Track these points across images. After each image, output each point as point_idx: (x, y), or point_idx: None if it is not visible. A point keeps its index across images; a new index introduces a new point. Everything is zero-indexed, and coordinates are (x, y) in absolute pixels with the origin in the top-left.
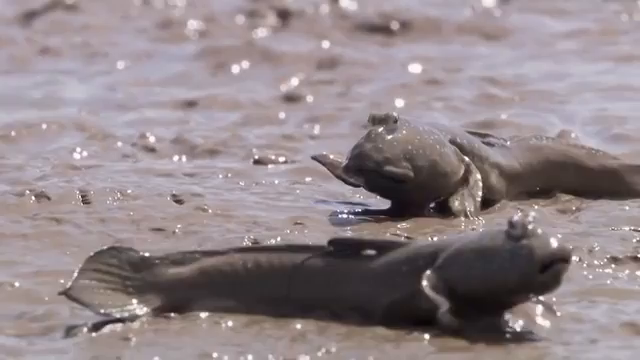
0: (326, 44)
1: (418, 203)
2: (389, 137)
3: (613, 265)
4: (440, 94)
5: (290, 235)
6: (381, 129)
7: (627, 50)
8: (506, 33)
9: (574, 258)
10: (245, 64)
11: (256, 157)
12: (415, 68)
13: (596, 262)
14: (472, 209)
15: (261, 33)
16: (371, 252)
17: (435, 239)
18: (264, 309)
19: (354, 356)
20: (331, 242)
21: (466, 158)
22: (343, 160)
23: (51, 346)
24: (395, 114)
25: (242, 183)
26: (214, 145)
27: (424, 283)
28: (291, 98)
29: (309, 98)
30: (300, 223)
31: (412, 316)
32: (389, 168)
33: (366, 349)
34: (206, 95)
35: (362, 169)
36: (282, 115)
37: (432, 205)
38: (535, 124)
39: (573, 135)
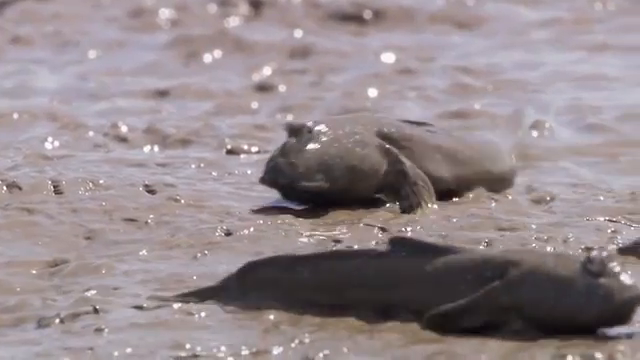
0: (299, 33)
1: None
2: (303, 150)
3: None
4: (413, 83)
5: (263, 226)
6: (295, 141)
7: (601, 39)
8: (480, 22)
9: (548, 248)
10: (217, 53)
11: (229, 147)
12: (388, 57)
13: (571, 252)
14: (422, 200)
15: (233, 22)
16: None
17: (504, 250)
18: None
19: (328, 347)
20: (392, 241)
21: (393, 150)
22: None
23: (23, 337)
24: (310, 124)
25: (215, 173)
26: (186, 135)
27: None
28: (263, 87)
29: (282, 87)
30: (273, 214)
31: (471, 325)
32: (302, 184)
33: (340, 340)
34: (178, 84)
35: (277, 184)
36: (255, 105)
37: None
38: (509, 114)
39: (547, 125)
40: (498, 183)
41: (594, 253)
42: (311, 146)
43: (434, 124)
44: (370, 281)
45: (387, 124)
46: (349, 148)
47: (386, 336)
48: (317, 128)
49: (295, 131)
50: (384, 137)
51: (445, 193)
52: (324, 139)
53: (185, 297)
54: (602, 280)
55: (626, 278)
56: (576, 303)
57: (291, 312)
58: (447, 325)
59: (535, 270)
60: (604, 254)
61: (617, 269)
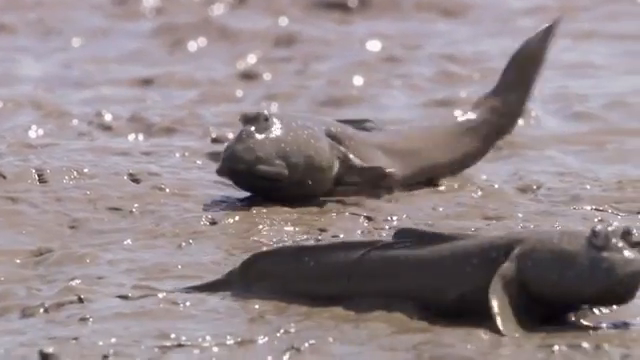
0: (284, 21)
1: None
2: (261, 136)
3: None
4: (399, 71)
5: (248, 215)
6: (252, 128)
7: (587, 27)
8: (465, 9)
9: None
10: (202, 41)
11: (213, 135)
12: (374, 45)
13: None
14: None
15: (218, 10)
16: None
17: (508, 232)
18: (327, 302)
19: (313, 337)
20: (398, 232)
21: (342, 148)
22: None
23: (7, 327)
24: (266, 112)
25: (199, 162)
26: (171, 123)
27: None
28: (248, 76)
29: (266, 76)
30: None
31: (480, 309)
32: (262, 167)
33: (325, 329)
34: (163, 73)
35: (235, 171)
36: (239, 93)
37: None
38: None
39: (533, 113)
40: (449, 170)
41: (599, 227)
42: (269, 133)
43: (372, 119)
44: (376, 271)
45: (333, 124)
46: (305, 139)
47: (372, 325)
48: (273, 117)
49: (251, 119)
50: (330, 136)
51: (424, 182)
52: (280, 128)
53: (190, 290)
54: (606, 254)
55: (630, 252)
56: (579, 277)
57: (277, 302)
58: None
59: (539, 247)
60: (609, 228)
61: (621, 244)
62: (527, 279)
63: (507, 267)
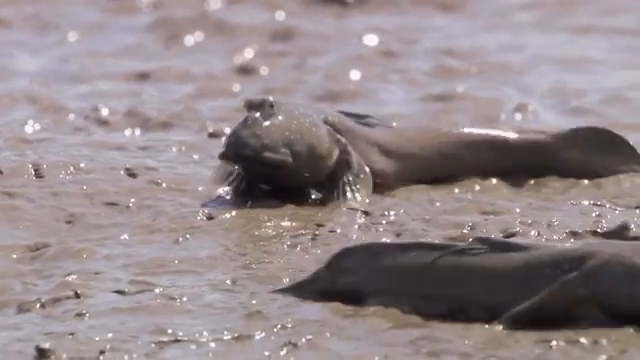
0: (281, 15)
1: (297, 188)
2: (266, 123)
3: (572, 239)
4: (396, 66)
5: (245, 210)
6: (258, 115)
7: (585, 21)
8: (462, 4)
9: (532, 232)
10: (199, 36)
11: (210, 130)
12: (371, 40)
13: (555, 236)
14: (363, 195)
15: (215, 4)
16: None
17: (580, 244)
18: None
19: (311, 332)
20: (475, 240)
21: (342, 139)
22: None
23: (3, 322)
24: (271, 99)
25: (196, 156)
26: (168, 118)
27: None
28: (245, 70)
29: (263, 70)
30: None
31: (550, 318)
32: (267, 154)
33: (323, 325)
34: (159, 67)
35: (240, 156)
36: (236, 87)
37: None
38: (492, 96)
39: (531, 108)
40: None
41: None
42: (274, 120)
43: (374, 116)
44: (448, 275)
45: (331, 114)
46: (307, 127)
47: (370, 321)
48: (278, 104)
49: (256, 105)
50: (329, 125)
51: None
52: (285, 115)
53: (282, 291)
54: None
55: None
56: None
57: (274, 297)
58: (524, 324)
59: (612, 260)
60: None
61: None
62: (599, 294)
63: (571, 278)
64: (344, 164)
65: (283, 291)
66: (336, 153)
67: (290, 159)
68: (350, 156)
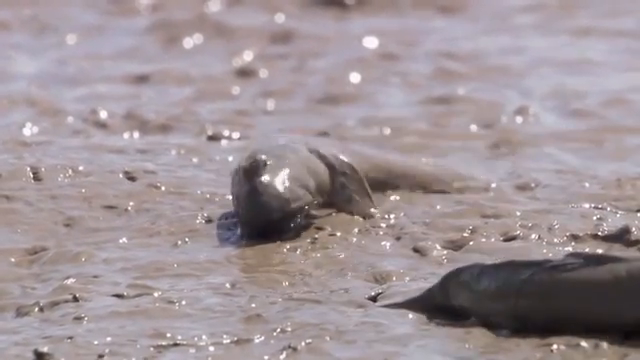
0: (280, 17)
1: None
2: (273, 180)
3: (573, 243)
4: (396, 69)
5: None
6: (261, 178)
7: (586, 24)
8: (463, 6)
9: (533, 236)
10: (198, 38)
11: (209, 133)
12: (371, 42)
13: (556, 240)
14: (364, 195)
15: (214, 6)
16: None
17: None
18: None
19: (310, 336)
20: (571, 255)
21: (328, 157)
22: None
23: (2, 326)
24: (263, 157)
25: (195, 160)
26: (166, 120)
27: None
28: (245, 73)
29: (263, 73)
30: None
31: None
32: (296, 205)
33: (322, 329)
34: (158, 69)
35: (272, 221)
36: (236, 90)
37: None
38: (493, 99)
39: (531, 110)
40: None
41: None
42: (276, 173)
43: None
44: (544, 291)
45: (309, 143)
46: (304, 160)
47: (372, 325)
48: (269, 160)
49: (254, 169)
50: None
51: None
52: (278, 163)
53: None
54: None
55: None
56: None
57: (273, 301)
58: None
59: None
60: None
61: None
62: None
63: None
64: (331, 170)
65: (390, 306)
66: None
67: (310, 196)
68: (326, 158)
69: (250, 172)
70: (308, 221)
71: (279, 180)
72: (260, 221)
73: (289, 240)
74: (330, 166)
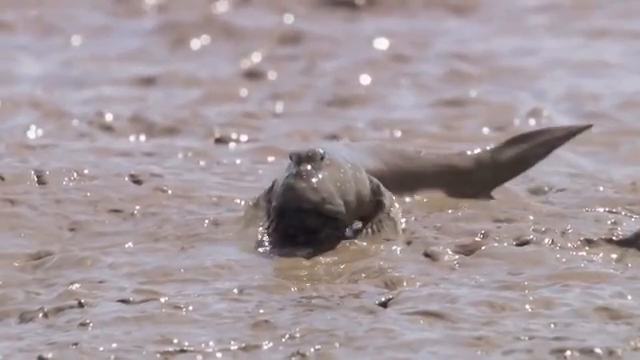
0: (289, 19)
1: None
2: (320, 176)
3: (587, 247)
4: (407, 70)
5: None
6: (310, 167)
7: (600, 25)
8: (475, 7)
9: (546, 240)
10: (205, 39)
11: (217, 136)
12: (381, 43)
13: (570, 244)
14: (393, 230)
15: (222, 7)
16: None
17: None
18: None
19: (319, 342)
20: None
21: (374, 179)
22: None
23: (6, 332)
24: (321, 151)
25: (202, 163)
26: (173, 123)
27: None
28: (253, 74)
29: (271, 74)
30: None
31: None
32: (328, 207)
33: (331, 335)
34: (165, 71)
35: (301, 210)
36: (244, 92)
37: None
38: (506, 101)
39: (545, 113)
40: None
41: None
42: (325, 171)
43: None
44: None
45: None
46: (352, 174)
47: (380, 331)
48: (327, 155)
49: (307, 158)
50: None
51: None
52: (334, 166)
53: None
54: None
55: None
56: None
57: (282, 307)
58: None
59: None
60: None
61: None
62: None
63: None
64: (377, 205)
65: None
66: (369, 195)
67: (344, 210)
68: (382, 196)
69: (303, 159)
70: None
71: (325, 178)
72: (292, 204)
73: (299, 245)
74: (374, 192)
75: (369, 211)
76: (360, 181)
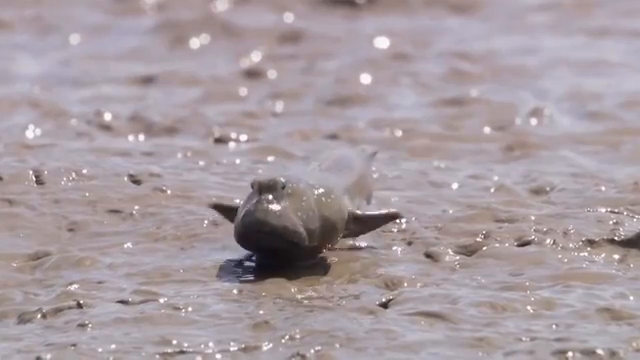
0: (289, 17)
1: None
2: (281, 204)
3: (589, 248)
4: (408, 69)
5: None
6: (271, 196)
7: (602, 23)
8: (477, 6)
9: (548, 241)
10: (205, 38)
11: (216, 135)
12: (382, 42)
13: (571, 245)
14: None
15: (221, 6)
16: None
17: None
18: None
19: (319, 343)
20: None
21: (354, 202)
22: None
23: (3, 333)
24: (283, 180)
25: (202, 163)
26: (173, 123)
27: None
28: (253, 74)
29: (271, 74)
30: None
31: None
32: (289, 231)
33: (332, 336)
34: (164, 70)
35: (261, 232)
36: (243, 91)
37: None
38: (507, 101)
39: (546, 112)
40: None
41: None
42: (288, 201)
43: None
44: None
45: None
46: (323, 201)
47: (382, 332)
48: (289, 183)
49: (268, 187)
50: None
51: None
52: (297, 194)
53: None
54: None
55: None
56: None
57: (282, 307)
58: None
59: None
60: None
61: None
62: None
63: None
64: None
65: None
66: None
67: (306, 240)
68: (355, 213)
69: (264, 188)
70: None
71: (285, 207)
72: (253, 228)
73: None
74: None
75: (354, 228)
76: (327, 205)
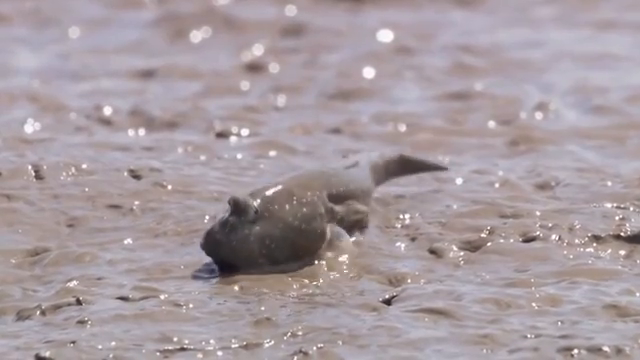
0: (291, 10)
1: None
2: (245, 231)
3: (594, 244)
4: (412, 63)
5: None
6: (238, 220)
7: (608, 16)
8: None
9: (553, 236)
10: (206, 31)
11: (217, 130)
12: (385, 35)
13: (577, 241)
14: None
15: None
16: None
17: None
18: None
19: (321, 340)
20: None
21: (329, 229)
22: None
23: (2, 330)
24: (255, 204)
25: (203, 157)
26: (173, 117)
27: None
28: (254, 67)
29: (273, 67)
30: None
31: None
32: (242, 264)
33: (334, 333)
34: (164, 64)
35: (215, 259)
36: (245, 85)
37: None
38: (512, 94)
39: (552, 106)
40: None
41: None
42: (257, 226)
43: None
44: None
45: (335, 184)
46: (295, 226)
47: (384, 329)
48: (262, 208)
49: (240, 210)
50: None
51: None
52: (269, 220)
53: None
54: None
55: None
56: None
57: (284, 304)
58: None
59: None
60: None
61: None
62: None
63: None
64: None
65: None
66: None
67: (267, 263)
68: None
69: (234, 209)
70: None
71: (248, 235)
72: (208, 249)
73: None
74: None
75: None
76: (307, 231)
